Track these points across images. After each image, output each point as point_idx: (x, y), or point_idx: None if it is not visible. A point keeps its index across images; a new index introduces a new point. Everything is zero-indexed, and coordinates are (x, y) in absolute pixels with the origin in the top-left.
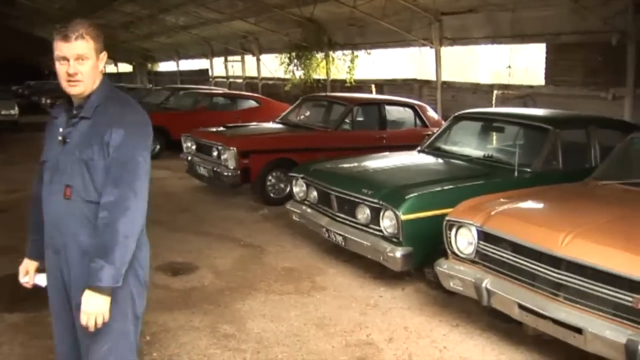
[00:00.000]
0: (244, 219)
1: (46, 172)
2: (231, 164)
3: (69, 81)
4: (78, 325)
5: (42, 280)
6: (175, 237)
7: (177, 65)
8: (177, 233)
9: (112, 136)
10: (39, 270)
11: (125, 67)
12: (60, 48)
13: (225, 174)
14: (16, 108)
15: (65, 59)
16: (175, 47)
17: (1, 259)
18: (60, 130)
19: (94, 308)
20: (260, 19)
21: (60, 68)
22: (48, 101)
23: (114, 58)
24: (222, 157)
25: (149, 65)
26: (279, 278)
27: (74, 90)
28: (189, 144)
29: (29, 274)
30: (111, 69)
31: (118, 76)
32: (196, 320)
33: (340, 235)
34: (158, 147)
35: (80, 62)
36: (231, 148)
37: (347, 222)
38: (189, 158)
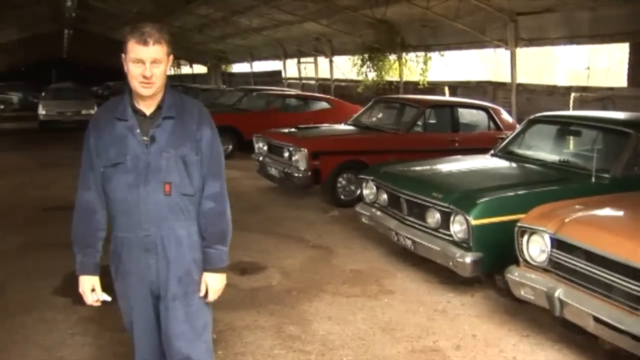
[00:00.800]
0: (313, 220)
1: (126, 174)
2: (302, 165)
3: (142, 82)
4: (169, 314)
5: (106, 295)
6: (245, 236)
7: (251, 67)
8: (247, 232)
9: (202, 133)
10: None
11: (200, 69)
12: (137, 51)
13: (296, 175)
14: (95, 107)
15: (142, 61)
16: (249, 49)
17: (73, 252)
18: (138, 131)
19: (220, 285)
20: (333, 21)
21: (135, 69)
22: None
23: (189, 59)
24: (293, 158)
25: (223, 67)
26: (346, 280)
27: (146, 91)
28: (261, 145)
29: (96, 291)
30: (186, 70)
31: (193, 77)
32: (262, 320)
33: (409, 238)
34: (230, 147)
35: (155, 65)
36: (302, 149)
37: (417, 225)
38: (260, 158)
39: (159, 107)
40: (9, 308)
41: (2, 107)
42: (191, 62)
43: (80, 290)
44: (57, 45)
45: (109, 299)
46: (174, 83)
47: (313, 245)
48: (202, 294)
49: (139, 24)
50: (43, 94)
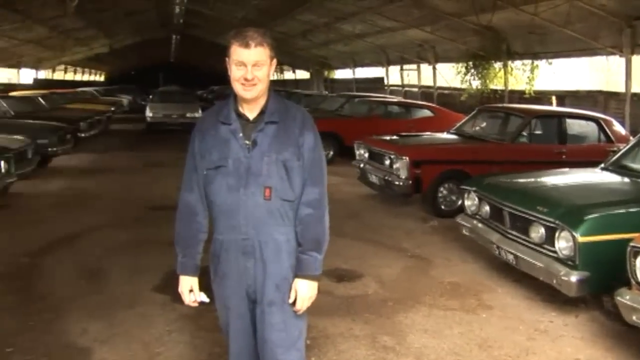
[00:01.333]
0: (412, 229)
1: (227, 177)
2: (402, 173)
3: (244, 85)
4: (265, 319)
5: (204, 295)
6: (342, 243)
7: (353, 73)
8: (345, 239)
9: (305, 139)
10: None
11: (303, 74)
12: (240, 54)
13: (396, 183)
14: (200, 111)
15: (244, 64)
16: (351, 55)
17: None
18: (240, 135)
19: (311, 293)
20: (437, 27)
21: (237, 72)
22: None
23: (292, 65)
24: (394, 166)
25: (326, 73)
26: (444, 293)
27: (248, 94)
28: (361, 152)
29: (194, 291)
30: (289, 75)
31: (296, 82)
32: (357, 328)
33: (511, 253)
34: (331, 153)
35: (257, 68)
36: (403, 157)
37: (519, 240)
38: (361, 165)
39: (262, 112)
40: (113, 302)
41: (112, 109)
42: (294, 68)
43: (180, 289)
44: (165, 50)
45: (206, 300)
46: (276, 88)
47: (411, 255)
48: (290, 300)
49: (242, 28)
50: (150, 97)
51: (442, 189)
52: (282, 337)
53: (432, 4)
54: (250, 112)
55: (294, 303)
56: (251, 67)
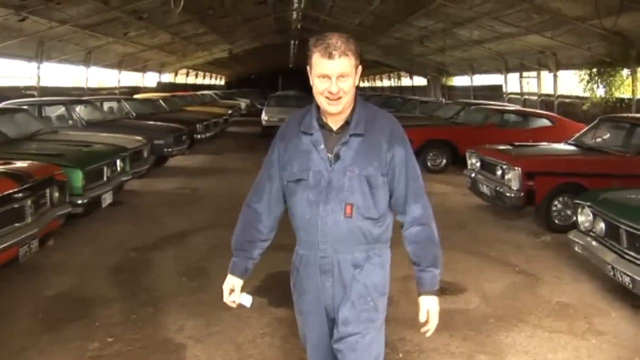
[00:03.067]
0: (522, 243)
1: (307, 191)
2: (515, 185)
3: (328, 99)
4: (342, 339)
5: (247, 300)
6: (447, 254)
7: (471, 80)
8: (450, 250)
9: (395, 153)
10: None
11: (420, 81)
12: (323, 66)
13: (508, 194)
14: None
15: (327, 76)
16: (469, 62)
17: (278, 255)
18: (322, 147)
19: (437, 308)
20: (558, 33)
21: (320, 85)
22: None
23: (409, 71)
24: (506, 176)
25: (443, 79)
26: (551, 313)
27: (333, 108)
28: (473, 161)
29: (235, 292)
30: (407, 82)
31: (413, 89)
32: (453, 345)
33: (627, 275)
34: (444, 161)
35: (342, 80)
36: (516, 168)
37: (638, 262)
38: (472, 175)
39: (347, 123)
40: (211, 301)
41: (230, 112)
42: (411, 74)
43: (223, 286)
44: (284, 55)
45: (247, 304)
46: (392, 95)
47: (519, 271)
48: (422, 319)
49: (323, 34)
50: (267, 101)
51: (556, 202)
52: (358, 358)
53: (553, 8)
54: (334, 122)
55: (425, 322)
56: (335, 79)
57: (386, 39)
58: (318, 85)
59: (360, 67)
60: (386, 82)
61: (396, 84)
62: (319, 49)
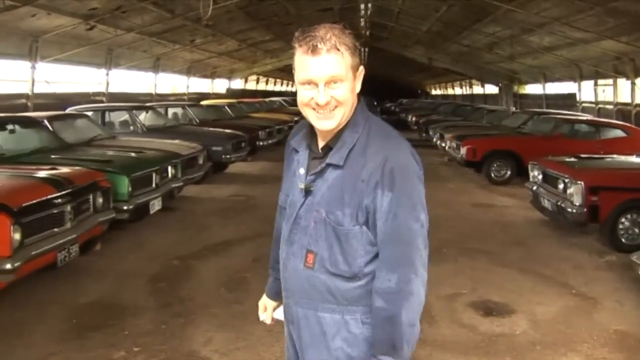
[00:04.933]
0: (583, 263)
1: (285, 223)
2: (577, 200)
3: (315, 111)
4: None
5: (281, 314)
6: (500, 272)
7: (543, 88)
8: (503, 268)
9: (377, 199)
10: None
11: (492, 89)
12: (306, 66)
13: (570, 210)
14: None
15: (313, 82)
16: (541, 69)
17: None
18: (301, 172)
19: None
20: (636, 37)
21: (305, 94)
22: (413, 119)
23: (480, 79)
24: (568, 191)
25: (515, 88)
26: (607, 342)
27: (325, 124)
28: (535, 173)
29: (267, 312)
30: (478, 90)
31: (484, 97)
32: None
33: None
34: (508, 172)
35: (334, 86)
36: (578, 182)
37: None
38: (534, 188)
39: (329, 145)
40: (245, 314)
41: (296, 119)
42: (482, 82)
43: (259, 303)
44: None
45: (282, 318)
46: (463, 103)
47: (576, 293)
48: None
49: (310, 27)
50: None
51: (623, 219)
52: None
53: (629, 10)
54: (323, 140)
55: None
56: (324, 85)
57: (455, 46)
58: (302, 95)
59: (362, 69)
60: (458, 90)
61: (468, 92)
62: (302, 44)
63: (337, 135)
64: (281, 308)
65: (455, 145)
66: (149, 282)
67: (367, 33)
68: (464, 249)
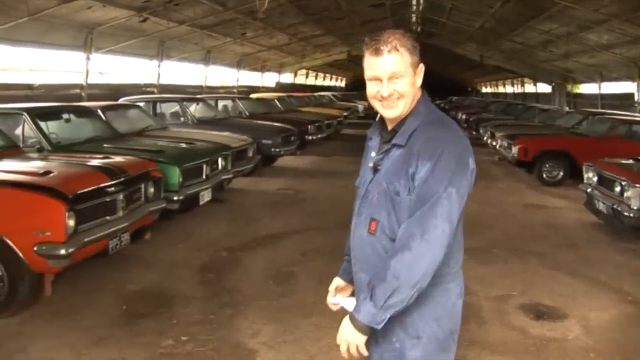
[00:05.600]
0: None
1: (356, 200)
2: (634, 204)
3: (381, 102)
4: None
5: (349, 304)
6: (551, 275)
7: (599, 88)
8: (554, 271)
9: (417, 168)
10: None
11: (544, 88)
12: (372, 65)
13: (627, 213)
14: None
15: (378, 78)
16: (597, 68)
17: None
18: (373, 154)
19: (345, 334)
20: None
21: (372, 87)
22: (463, 117)
23: (533, 78)
24: (625, 194)
25: (569, 87)
26: None
27: (389, 113)
28: (590, 175)
29: (337, 294)
30: (530, 88)
31: (536, 96)
32: None
33: None
34: (561, 174)
35: (395, 81)
36: (636, 185)
37: None
38: (588, 190)
39: (394, 130)
40: (292, 307)
41: (345, 114)
42: (535, 81)
43: (330, 287)
44: None
45: (349, 308)
46: (514, 101)
47: (632, 300)
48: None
49: (377, 32)
50: None
51: None
52: None
53: None
54: (390, 126)
55: None
56: (387, 80)
57: (508, 44)
58: (370, 88)
59: (421, 66)
60: (509, 89)
61: (519, 91)
62: (368, 48)
63: (402, 122)
64: (351, 300)
65: (506, 144)
66: (198, 273)
67: (418, 29)
68: (514, 250)
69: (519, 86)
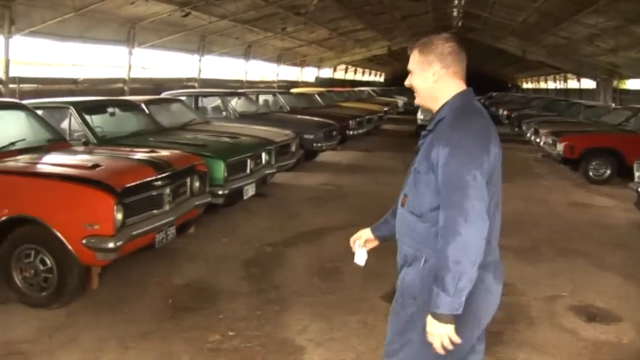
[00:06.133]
0: None
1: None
2: None
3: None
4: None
5: (361, 256)
6: (602, 276)
7: None
8: (604, 272)
9: (439, 153)
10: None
11: (588, 83)
12: None
13: None
14: None
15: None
16: None
17: None
18: (420, 142)
19: (435, 331)
20: None
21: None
22: (504, 113)
23: (577, 73)
24: None
25: (615, 82)
26: None
27: (415, 101)
28: None
29: (359, 241)
30: (574, 84)
31: (579, 92)
32: None
33: None
34: (608, 172)
35: (412, 77)
36: None
37: None
38: (639, 189)
39: (432, 118)
40: (338, 304)
41: (385, 109)
42: (578, 76)
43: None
44: None
45: (360, 262)
46: (557, 97)
47: None
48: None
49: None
50: None
51: None
52: (389, 350)
53: None
54: (431, 116)
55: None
56: (410, 75)
57: (552, 38)
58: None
59: (435, 66)
60: (551, 85)
61: (562, 87)
62: None
63: (437, 111)
64: (363, 254)
65: (551, 141)
66: (242, 267)
67: (459, 24)
68: (561, 249)
69: (562, 82)
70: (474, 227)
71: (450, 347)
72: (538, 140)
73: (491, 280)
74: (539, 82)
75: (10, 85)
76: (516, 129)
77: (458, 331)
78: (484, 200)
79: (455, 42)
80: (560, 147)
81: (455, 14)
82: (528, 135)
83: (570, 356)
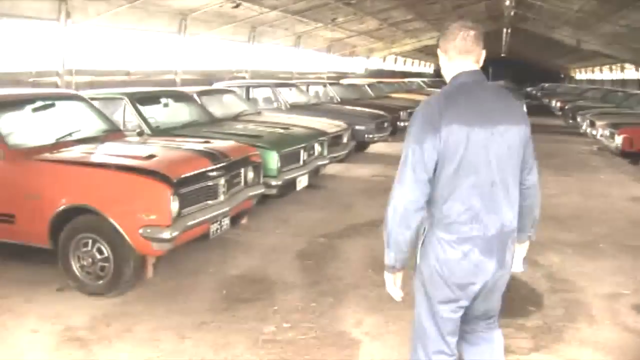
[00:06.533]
0: None
1: None
2: None
3: None
4: None
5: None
6: None
7: None
8: None
9: None
10: None
11: None
12: None
13: None
14: (523, 107)
15: None
16: None
17: None
18: None
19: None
20: None
21: None
22: (558, 104)
23: (636, 63)
24: None
25: None
26: None
27: None
28: None
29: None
30: (631, 74)
31: (639, 83)
32: None
33: None
34: None
35: None
36: None
37: None
38: None
39: None
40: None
41: None
42: (637, 66)
43: None
44: (496, 44)
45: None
46: (613, 88)
47: None
48: None
49: None
50: None
51: None
52: None
53: None
54: None
55: None
56: None
57: (609, 27)
58: None
59: (439, 51)
60: (606, 75)
61: (618, 77)
62: None
63: None
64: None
65: (608, 134)
66: (296, 259)
67: (512, 13)
68: (623, 246)
69: (618, 72)
70: (402, 190)
71: (393, 295)
72: (594, 132)
73: (475, 252)
74: (592, 72)
75: (66, 77)
76: (570, 121)
77: (427, 287)
78: (417, 170)
79: (462, 28)
80: (618, 139)
81: (507, 3)
82: (583, 127)
83: (636, 358)
